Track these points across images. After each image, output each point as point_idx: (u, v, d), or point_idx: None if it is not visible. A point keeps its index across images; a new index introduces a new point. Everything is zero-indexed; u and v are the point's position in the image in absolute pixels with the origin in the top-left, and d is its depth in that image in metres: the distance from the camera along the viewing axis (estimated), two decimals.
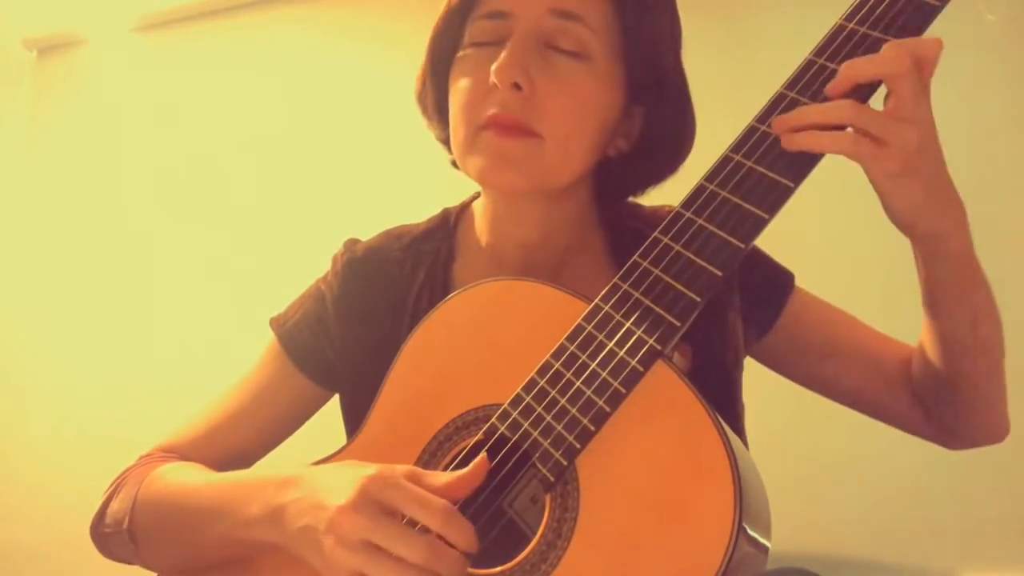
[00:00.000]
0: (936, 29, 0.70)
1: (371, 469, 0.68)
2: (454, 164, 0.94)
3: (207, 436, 0.94)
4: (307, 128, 1.96)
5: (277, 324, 0.96)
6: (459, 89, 0.84)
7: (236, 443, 0.94)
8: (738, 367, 0.91)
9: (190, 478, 0.86)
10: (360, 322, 0.92)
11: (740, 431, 0.91)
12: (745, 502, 0.62)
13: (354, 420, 0.91)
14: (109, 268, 2.07)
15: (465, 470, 0.70)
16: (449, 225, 0.96)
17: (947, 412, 0.90)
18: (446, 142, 0.90)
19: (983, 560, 1.33)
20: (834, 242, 1.45)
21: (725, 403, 0.88)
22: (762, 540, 0.66)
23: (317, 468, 0.74)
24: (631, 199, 0.96)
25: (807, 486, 1.37)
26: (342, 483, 0.68)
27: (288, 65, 2.02)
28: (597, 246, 0.93)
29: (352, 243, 0.97)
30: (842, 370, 0.95)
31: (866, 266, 1.43)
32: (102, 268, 2.07)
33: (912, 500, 1.37)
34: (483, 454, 0.71)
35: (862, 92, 0.69)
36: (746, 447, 0.90)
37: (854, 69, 0.69)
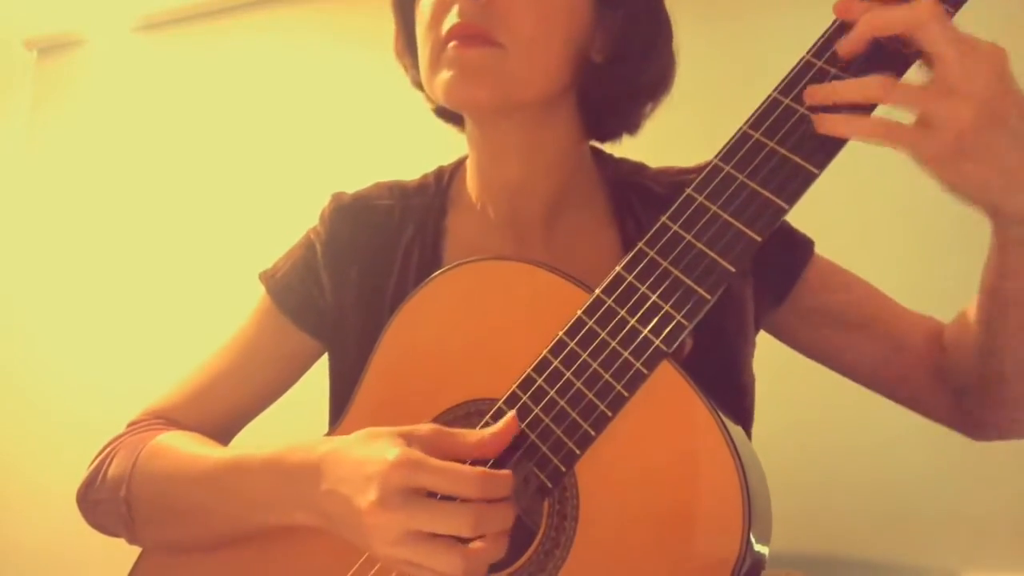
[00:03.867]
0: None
1: (392, 452, 0.63)
2: (436, 113, 0.91)
3: (199, 397, 0.91)
4: (307, 128, 1.96)
5: (267, 277, 0.94)
6: (423, 10, 0.82)
7: (229, 403, 0.91)
8: (742, 335, 0.86)
9: (197, 451, 0.82)
10: (349, 266, 0.89)
11: (748, 406, 0.86)
12: (753, 514, 0.60)
13: (339, 385, 0.88)
14: (109, 267, 2.06)
15: (497, 427, 0.67)
16: (443, 181, 0.93)
17: (985, 404, 0.83)
18: (421, 85, 0.87)
19: (984, 560, 1.33)
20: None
21: (726, 372, 0.84)
22: (765, 546, 0.64)
23: (335, 449, 0.69)
24: (628, 139, 0.91)
25: (807, 486, 1.37)
26: (365, 473, 0.64)
27: (288, 65, 2.01)
28: (597, 200, 0.89)
29: (339, 194, 0.95)
30: (861, 344, 0.89)
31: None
32: (102, 267, 2.07)
33: (912, 500, 1.37)
34: (512, 412, 0.68)
35: (893, 59, 0.60)
36: (752, 421, 0.87)
37: (871, 20, 0.60)
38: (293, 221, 1.86)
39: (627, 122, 0.90)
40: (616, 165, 0.92)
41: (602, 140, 0.92)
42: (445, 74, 0.78)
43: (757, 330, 0.90)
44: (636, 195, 0.88)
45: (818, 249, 0.94)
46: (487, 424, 0.69)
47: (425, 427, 0.67)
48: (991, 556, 1.33)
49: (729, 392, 0.83)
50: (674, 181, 0.90)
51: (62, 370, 2.04)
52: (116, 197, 2.11)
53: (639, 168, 0.93)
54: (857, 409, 1.41)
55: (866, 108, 0.62)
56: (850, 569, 1.38)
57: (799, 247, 0.91)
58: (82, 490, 0.87)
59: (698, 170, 0.91)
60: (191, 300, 1.95)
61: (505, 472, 0.64)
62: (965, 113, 0.58)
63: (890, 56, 0.61)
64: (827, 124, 0.62)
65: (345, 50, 1.96)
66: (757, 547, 0.62)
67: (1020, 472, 1.32)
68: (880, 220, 1.45)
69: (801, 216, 0.90)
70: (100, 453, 0.88)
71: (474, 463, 0.67)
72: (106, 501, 0.84)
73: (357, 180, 1.84)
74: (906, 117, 0.62)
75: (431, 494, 0.63)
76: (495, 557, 0.64)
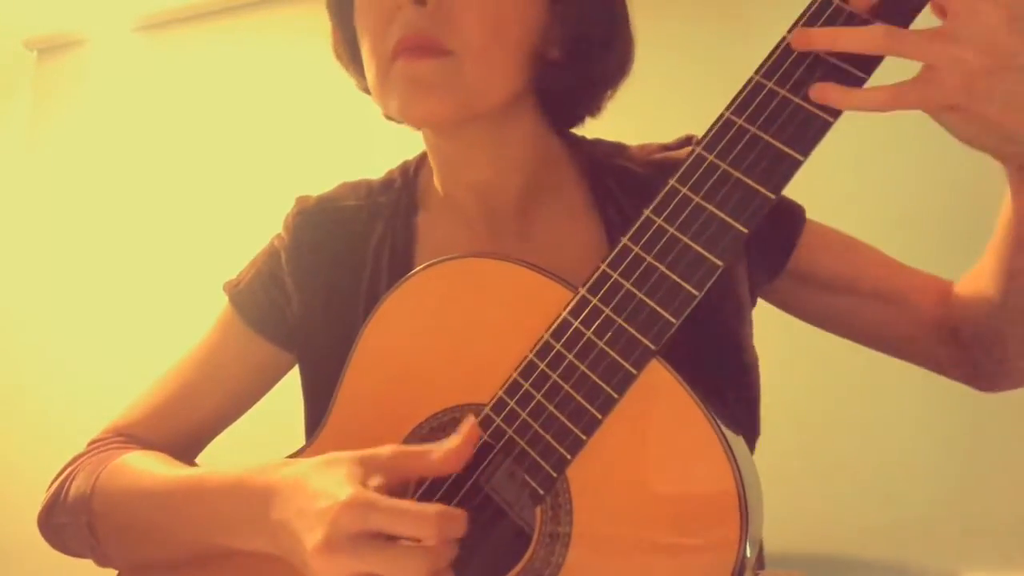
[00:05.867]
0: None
1: (345, 491, 0.60)
2: (388, 118, 0.87)
3: (161, 412, 0.88)
4: (308, 128, 1.96)
5: (230, 287, 0.90)
6: (363, 23, 0.77)
7: (193, 418, 0.88)
8: (739, 315, 0.83)
9: (157, 471, 0.79)
10: (316, 273, 0.86)
11: (752, 384, 0.84)
12: (750, 516, 0.59)
13: (313, 395, 0.86)
14: (109, 267, 2.06)
15: (456, 440, 0.64)
16: (409, 175, 0.90)
17: (995, 353, 0.81)
18: (368, 91, 0.83)
19: (983, 560, 1.33)
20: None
21: (725, 355, 0.81)
22: (757, 545, 0.63)
23: (292, 476, 0.67)
24: (594, 123, 0.89)
25: (807, 486, 1.37)
26: (316, 510, 0.61)
27: (288, 65, 2.01)
28: (573, 190, 0.86)
29: (303, 198, 0.92)
30: (864, 304, 0.87)
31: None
32: (102, 268, 2.07)
33: (912, 500, 1.37)
34: (471, 419, 0.65)
35: (903, 8, 0.58)
36: (759, 400, 0.84)
37: None
38: None
39: (588, 109, 0.87)
40: (592, 148, 0.89)
41: (565, 127, 0.89)
42: (397, 92, 0.74)
43: (753, 305, 0.88)
44: (614, 179, 0.86)
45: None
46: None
47: (386, 450, 0.65)
48: (991, 556, 1.32)
49: (731, 372, 0.82)
50: (653, 160, 0.88)
51: (63, 370, 2.04)
52: (116, 197, 2.11)
53: (617, 149, 0.90)
54: (858, 410, 1.41)
55: (866, 63, 0.59)
56: (850, 569, 1.38)
57: (791, 216, 0.89)
58: (43, 514, 0.84)
59: (678, 145, 0.90)
60: (192, 300, 1.94)
61: (460, 511, 0.61)
62: (969, 56, 0.56)
63: (893, 11, 0.59)
64: (823, 93, 0.59)
65: None
66: (751, 547, 0.61)
67: (1020, 472, 1.32)
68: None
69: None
70: (59, 475, 0.85)
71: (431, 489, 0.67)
72: (69, 524, 0.81)
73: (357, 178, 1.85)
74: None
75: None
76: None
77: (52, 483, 0.85)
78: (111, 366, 1.98)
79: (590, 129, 0.94)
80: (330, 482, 0.63)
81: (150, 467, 0.80)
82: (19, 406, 2.07)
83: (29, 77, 2.26)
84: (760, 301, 0.92)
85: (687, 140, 0.91)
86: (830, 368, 1.42)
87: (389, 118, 0.86)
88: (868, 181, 1.45)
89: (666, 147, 0.90)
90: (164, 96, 2.13)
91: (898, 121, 1.37)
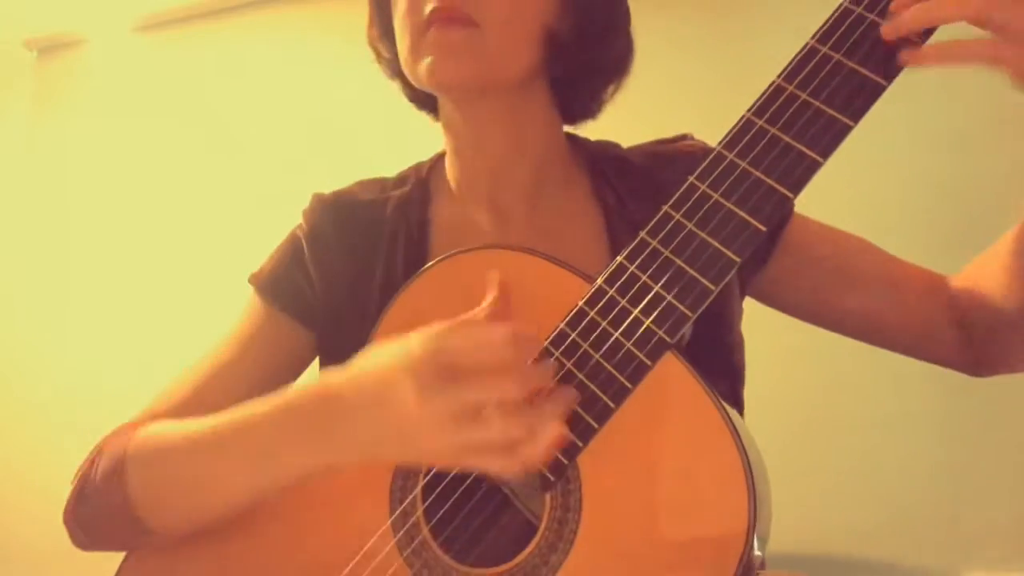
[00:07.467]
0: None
1: (410, 344, 0.62)
2: (410, 99, 0.93)
3: (192, 400, 0.86)
4: (308, 128, 1.96)
5: (254, 277, 0.93)
6: (399, 1, 0.84)
7: (224, 405, 0.83)
8: (728, 293, 0.85)
9: (198, 424, 0.77)
10: (335, 260, 0.89)
11: (737, 363, 0.86)
12: (758, 508, 0.60)
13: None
14: (110, 267, 2.07)
15: (491, 297, 0.66)
16: (422, 173, 0.94)
17: (1004, 342, 0.83)
18: (399, 74, 0.89)
19: (984, 560, 1.33)
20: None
21: (713, 329, 0.81)
22: (765, 541, 0.64)
23: (349, 377, 0.67)
24: (595, 123, 0.93)
25: (808, 486, 1.37)
26: (395, 378, 0.62)
27: (288, 65, 2.02)
28: (576, 181, 0.91)
29: (319, 193, 0.96)
30: (857, 296, 0.88)
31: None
32: (103, 268, 2.07)
33: (912, 500, 1.37)
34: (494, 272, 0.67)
35: None
36: (743, 381, 0.86)
37: None
38: (294, 220, 1.87)
39: (592, 103, 0.93)
40: (591, 145, 0.95)
41: (570, 122, 0.94)
42: (428, 58, 0.80)
43: (743, 294, 0.90)
44: (612, 168, 0.90)
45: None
46: None
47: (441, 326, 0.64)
48: (991, 556, 1.33)
49: (717, 350, 0.83)
50: (649, 151, 0.93)
51: (63, 370, 2.04)
52: (116, 197, 2.11)
53: (613, 145, 0.95)
54: (857, 411, 1.42)
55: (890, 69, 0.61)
56: (850, 569, 1.38)
57: None
58: (71, 505, 0.81)
59: (675, 140, 0.93)
60: (192, 300, 1.95)
61: (531, 333, 0.62)
62: None
63: None
64: (919, 56, 0.61)
65: (345, 50, 1.96)
66: (758, 543, 0.62)
67: (1020, 472, 1.32)
68: (881, 216, 1.45)
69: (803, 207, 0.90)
70: (82, 466, 0.83)
71: None
72: (102, 506, 0.78)
73: (358, 179, 1.85)
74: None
75: None
76: (559, 412, 0.63)
77: (76, 475, 0.83)
78: (112, 366, 1.98)
79: (592, 130, 0.96)
80: (391, 351, 0.64)
81: (184, 424, 0.78)
82: (20, 407, 2.06)
83: (29, 77, 2.26)
84: (757, 305, 0.93)
85: (682, 137, 0.94)
86: (830, 369, 1.43)
87: (411, 99, 0.92)
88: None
89: (660, 141, 0.94)
90: (164, 96, 2.13)
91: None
